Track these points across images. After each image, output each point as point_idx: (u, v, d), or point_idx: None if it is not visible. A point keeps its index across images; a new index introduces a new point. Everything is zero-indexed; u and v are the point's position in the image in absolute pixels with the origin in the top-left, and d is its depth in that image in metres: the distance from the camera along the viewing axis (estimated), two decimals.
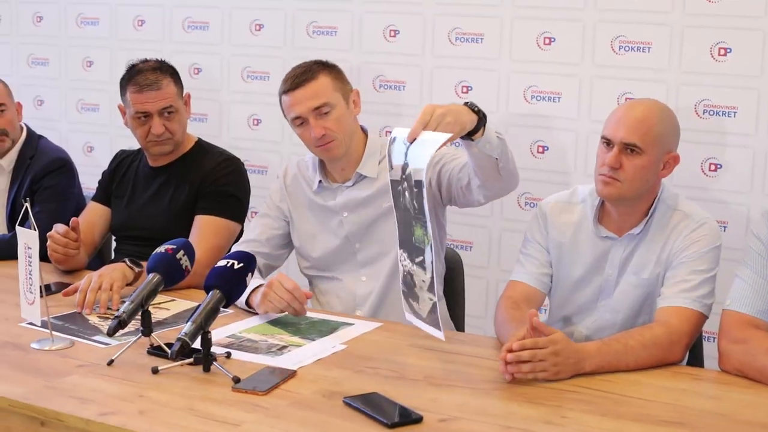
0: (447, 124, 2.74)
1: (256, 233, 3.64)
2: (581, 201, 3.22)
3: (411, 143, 2.72)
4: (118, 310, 2.87)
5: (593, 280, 3.18)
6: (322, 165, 3.59)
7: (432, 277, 2.74)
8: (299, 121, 3.47)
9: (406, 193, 2.77)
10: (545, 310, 3.38)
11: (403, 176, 2.77)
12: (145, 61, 3.92)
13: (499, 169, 3.00)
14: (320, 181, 3.57)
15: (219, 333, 3.05)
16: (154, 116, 3.82)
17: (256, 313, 3.28)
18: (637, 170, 3.01)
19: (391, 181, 2.86)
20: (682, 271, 2.99)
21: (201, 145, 4.02)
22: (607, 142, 3.04)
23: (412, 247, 2.81)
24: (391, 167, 2.84)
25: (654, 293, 3.08)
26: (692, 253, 3.01)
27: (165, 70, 3.88)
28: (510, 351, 2.64)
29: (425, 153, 2.68)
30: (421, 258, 2.77)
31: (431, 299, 2.77)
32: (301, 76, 3.46)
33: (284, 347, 2.98)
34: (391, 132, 2.88)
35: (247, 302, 3.30)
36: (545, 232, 3.24)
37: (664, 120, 3.08)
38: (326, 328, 3.17)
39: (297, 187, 3.65)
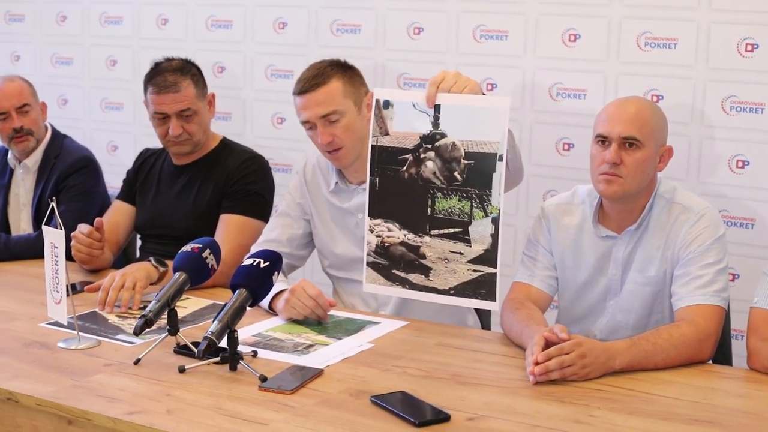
0: (460, 85, 2.78)
1: (276, 233, 3.63)
2: (581, 202, 3.21)
3: (435, 109, 2.76)
4: (144, 308, 2.86)
5: (599, 280, 3.17)
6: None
7: (488, 249, 2.80)
8: (308, 125, 3.47)
9: (429, 163, 2.79)
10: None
11: (427, 145, 2.79)
12: (170, 59, 3.92)
13: (506, 162, 2.99)
14: (336, 183, 3.57)
15: (245, 332, 3.05)
16: (171, 117, 3.83)
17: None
18: (638, 164, 2.99)
19: (380, 146, 2.90)
20: (692, 267, 2.98)
21: (225, 144, 4.02)
22: (603, 140, 3.03)
23: (422, 219, 2.86)
24: (385, 133, 2.87)
25: (663, 291, 3.07)
26: (698, 248, 2.99)
27: (186, 71, 3.88)
28: (536, 363, 2.64)
29: (491, 125, 2.74)
30: (453, 230, 2.80)
31: (476, 271, 2.80)
32: (312, 80, 3.44)
33: (310, 346, 2.97)
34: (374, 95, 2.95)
35: (270, 306, 3.30)
36: (548, 234, 3.23)
37: (656, 113, 3.08)
38: (352, 327, 3.17)
39: (316, 183, 3.65)
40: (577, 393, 2.60)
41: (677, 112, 3.97)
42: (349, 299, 3.60)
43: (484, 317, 3.66)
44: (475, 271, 2.80)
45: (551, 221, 3.22)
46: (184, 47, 5.11)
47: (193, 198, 3.92)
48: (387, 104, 2.90)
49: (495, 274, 2.79)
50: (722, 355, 3.20)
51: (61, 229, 2.91)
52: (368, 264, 2.98)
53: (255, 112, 5.13)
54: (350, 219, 3.54)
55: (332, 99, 3.42)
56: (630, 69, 4.17)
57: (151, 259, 3.51)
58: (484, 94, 2.88)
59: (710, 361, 2.92)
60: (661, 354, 2.77)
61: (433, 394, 2.57)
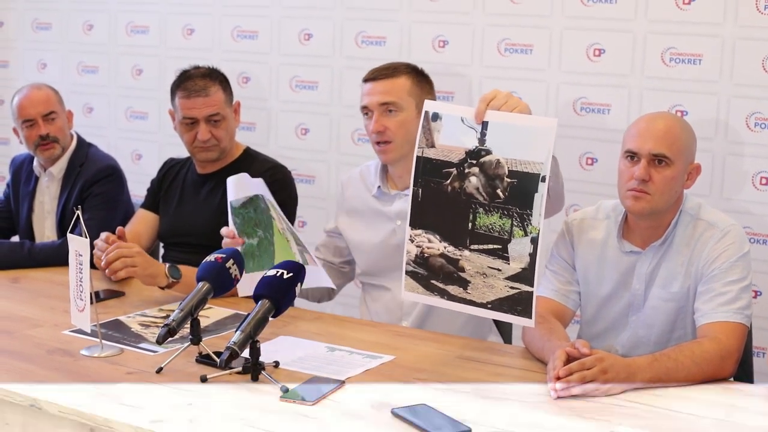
0: (510, 105, 2.78)
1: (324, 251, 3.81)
2: (606, 217, 3.20)
3: (483, 126, 2.77)
4: (167, 318, 2.87)
5: (622, 295, 3.16)
6: (384, 170, 3.61)
7: (525, 268, 2.76)
8: (365, 111, 3.52)
9: (473, 179, 2.79)
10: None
11: (472, 161, 2.80)
12: (197, 67, 3.94)
13: (548, 189, 2.99)
14: (379, 187, 3.59)
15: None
16: (200, 122, 3.84)
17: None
18: (667, 182, 2.99)
19: (425, 158, 2.91)
20: (716, 284, 2.96)
21: (249, 153, 4.03)
22: (632, 156, 3.02)
23: (463, 233, 2.85)
24: (431, 145, 2.88)
25: (686, 307, 3.06)
26: (722, 264, 2.97)
27: (215, 77, 3.91)
28: (558, 378, 2.64)
29: (536, 145, 2.73)
30: (493, 246, 2.80)
31: (514, 288, 2.79)
32: (383, 71, 3.52)
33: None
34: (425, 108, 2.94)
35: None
36: (571, 249, 3.23)
37: (686, 130, 3.07)
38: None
39: (355, 195, 3.71)
40: (599, 408, 2.60)
41: (701, 127, 3.96)
42: (374, 305, 3.63)
43: (505, 332, 3.66)
44: (512, 288, 2.79)
45: (575, 236, 3.22)
46: (209, 57, 5.12)
47: (216, 206, 3.92)
48: (436, 117, 2.90)
49: (532, 292, 2.77)
50: (744, 372, 3.18)
51: (86, 237, 2.93)
52: (407, 273, 2.98)
53: (279, 123, 5.14)
54: (387, 225, 3.56)
55: (396, 92, 3.48)
56: (654, 84, 4.17)
57: (167, 265, 3.53)
58: None
59: (732, 379, 2.91)
60: (682, 371, 2.76)
61: (454, 408, 2.57)
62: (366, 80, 3.53)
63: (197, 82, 3.86)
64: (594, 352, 2.70)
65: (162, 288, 3.51)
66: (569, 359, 2.70)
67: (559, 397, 2.64)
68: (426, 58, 4.63)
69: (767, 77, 3.95)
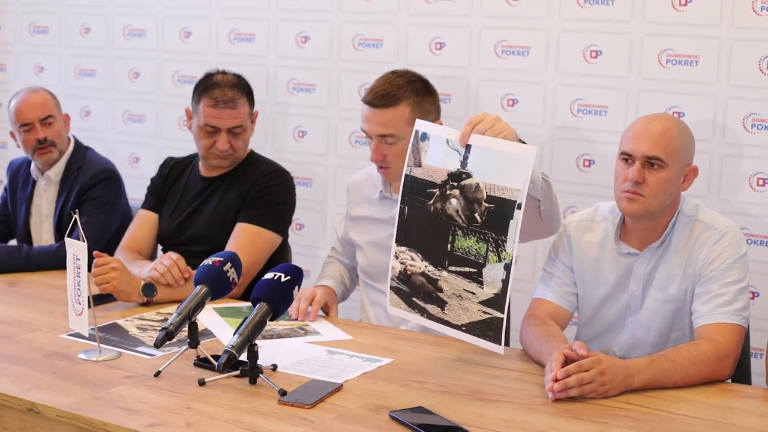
0: (496, 130, 2.77)
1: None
2: (603, 219, 3.20)
3: (466, 149, 2.78)
4: (165, 321, 2.87)
5: (619, 297, 3.16)
6: None
7: (497, 294, 2.76)
8: (365, 135, 3.52)
9: (453, 201, 2.80)
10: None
11: (453, 183, 2.80)
12: (224, 73, 3.94)
13: (540, 212, 2.99)
14: (381, 191, 3.60)
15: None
16: (222, 132, 3.84)
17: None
18: (661, 184, 2.99)
19: (412, 177, 2.93)
20: (714, 285, 2.97)
21: (254, 157, 4.03)
22: (627, 158, 3.02)
23: (442, 254, 2.87)
24: (418, 164, 2.89)
25: (684, 308, 3.06)
26: (720, 266, 2.98)
27: (242, 88, 3.91)
28: (555, 380, 2.65)
29: (514, 172, 2.73)
30: (469, 269, 2.80)
31: (486, 313, 2.79)
32: (382, 99, 3.46)
33: (300, 328, 3.27)
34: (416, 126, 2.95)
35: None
36: (569, 251, 3.23)
37: (683, 132, 3.06)
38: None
39: (359, 198, 3.73)
40: (596, 410, 2.60)
41: (698, 129, 3.95)
42: (374, 309, 3.62)
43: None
44: (484, 312, 2.80)
45: (572, 238, 3.22)
46: (206, 60, 5.13)
47: (215, 207, 3.92)
48: (425, 137, 2.92)
49: (502, 319, 2.77)
50: (741, 373, 3.19)
51: (84, 241, 2.93)
52: (392, 288, 3.01)
53: (277, 126, 5.14)
54: (387, 229, 3.55)
55: (395, 124, 3.45)
56: (651, 86, 4.17)
57: (142, 283, 3.52)
58: (524, 142, 2.86)
59: (729, 380, 2.92)
60: (680, 372, 2.76)
61: (452, 410, 2.58)
62: (366, 103, 3.49)
63: (226, 92, 3.85)
64: (591, 353, 2.70)
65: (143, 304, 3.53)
66: (567, 361, 2.70)
67: (556, 399, 2.65)
68: (423, 61, 4.64)
69: (764, 78, 3.95)
